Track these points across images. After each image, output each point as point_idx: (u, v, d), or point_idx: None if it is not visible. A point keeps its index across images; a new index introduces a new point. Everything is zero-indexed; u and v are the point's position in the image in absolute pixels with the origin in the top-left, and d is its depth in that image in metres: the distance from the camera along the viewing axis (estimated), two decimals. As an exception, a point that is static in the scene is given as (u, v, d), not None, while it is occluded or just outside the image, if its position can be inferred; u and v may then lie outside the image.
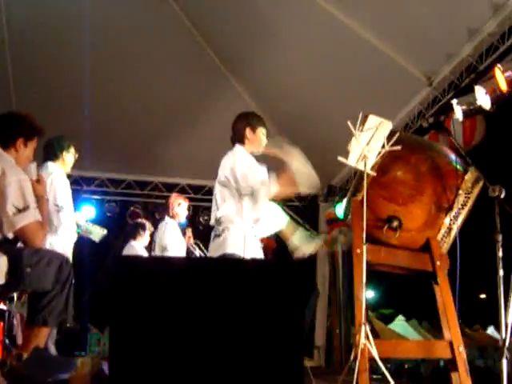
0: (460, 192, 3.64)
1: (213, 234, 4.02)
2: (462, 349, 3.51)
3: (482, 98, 5.42)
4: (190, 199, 7.75)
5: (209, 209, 5.37)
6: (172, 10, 7.17)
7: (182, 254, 6.03)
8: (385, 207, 3.69)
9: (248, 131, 4.11)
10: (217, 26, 7.32)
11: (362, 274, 3.61)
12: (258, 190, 3.84)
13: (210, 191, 8.73)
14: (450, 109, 6.30)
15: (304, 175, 3.86)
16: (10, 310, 3.26)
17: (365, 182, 3.59)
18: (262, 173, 3.97)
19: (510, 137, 9.27)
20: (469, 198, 3.63)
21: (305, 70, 7.08)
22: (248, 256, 3.87)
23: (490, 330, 14.83)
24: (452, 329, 3.58)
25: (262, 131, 4.15)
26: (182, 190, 9.13)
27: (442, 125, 6.59)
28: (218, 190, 4.02)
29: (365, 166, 3.58)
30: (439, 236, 3.68)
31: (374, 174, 3.61)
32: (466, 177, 3.68)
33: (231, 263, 2.74)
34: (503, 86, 5.02)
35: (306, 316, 4.47)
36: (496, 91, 5.33)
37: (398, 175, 3.70)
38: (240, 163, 3.97)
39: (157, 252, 5.97)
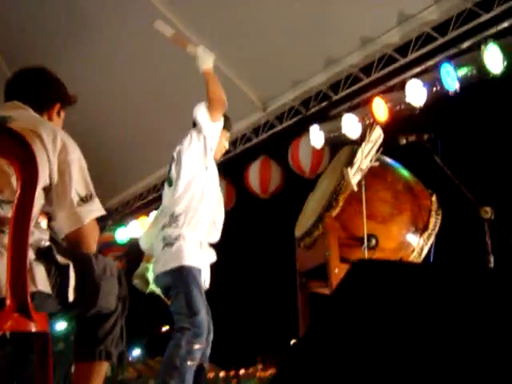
0: (432, 213, 3.64)
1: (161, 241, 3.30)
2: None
3: (350, 127, 5.63)
4: None
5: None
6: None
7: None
8: (362, 225, 3.49)
9: None
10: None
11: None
12: None
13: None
14: (291, 135, 6.45)
15: None
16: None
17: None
18: None
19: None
20: (438, 219, 3.66)
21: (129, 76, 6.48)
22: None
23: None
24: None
25: (225, 135, 3.61)
26: None
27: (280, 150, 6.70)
28: None
29: (346, 178, 3.36)
30: (411, 256, 3.62)
31: (356, 189, 3.41)
32: (433, 198, 3.70)
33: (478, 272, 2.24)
34: (380, 117, 5.25)
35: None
36: (366, 121, 5.58)
37: (378, 192, 3.55)
38: None
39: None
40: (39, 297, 1.87)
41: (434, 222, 3.62)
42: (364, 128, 5.46)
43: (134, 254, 6.25)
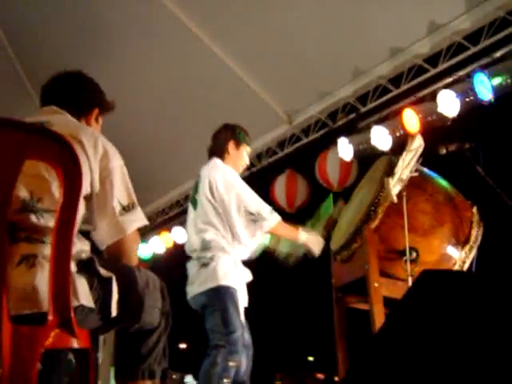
0: (474, 225, 3.50)
1: (196, 263, 3.25)
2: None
3: (379, 139, 5.51)
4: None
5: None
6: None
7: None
8: (402, 238, 3.37)
9: (231, 145, 3.47)
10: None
11: (381, 310, 3.23)
12: (267, 220, 3.24)
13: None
14: (317, 148, 6.35)
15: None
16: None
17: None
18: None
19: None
20: (480, 231, 3.52)
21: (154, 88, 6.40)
22: (239, 288, 3.23)
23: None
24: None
25: (246, 149, 3.53)
26: None
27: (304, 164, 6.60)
28: (205, 207, 3.28)
29: (386, 189, 3.24)
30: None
31: (395, 201, 3.28)
32: (474, 209, 3.57)
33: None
34: (412, 128, 5.13)
35: None
36: (396, 133, 5.46)
37: (418, 204, 3.42)
38: (236, 181, 3.31)
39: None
40: (81, 311, 1.77)
41: (476, 234, 3.48)
42: (395, 139, 5.35)
43: (157, 269, 6.15)
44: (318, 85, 6.05)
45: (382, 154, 5.40)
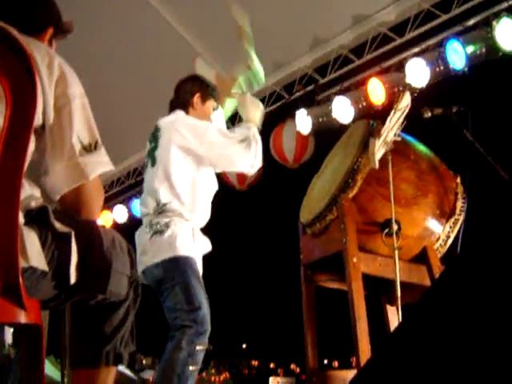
0: (458, 196, 3.22)
1: (148, 229, 2.82)
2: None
3: (341, 111, 5.20)
4: None
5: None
6: None
7: None
8: (383, 208, 3.07)
9: (197, 99, 3.05)
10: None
11: (361, 288, 2.93)
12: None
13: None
14: (272, 122, 5.98)
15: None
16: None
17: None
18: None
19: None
20: (464, 204, 3.24)
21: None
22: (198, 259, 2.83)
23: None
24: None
25: (213, 105, 3.12)
26: None
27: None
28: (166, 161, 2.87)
29: (371, 151, 2.91)
30: (436, 245, 3.19)
31: (377, 167, 2.96)
32: (458, 180, 3.29)
33: None
34: (377, 99, 4.84)
35: None
36: (359, 105, 5.16)
37: (401, 171, 3.11)
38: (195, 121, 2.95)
39: None
40: (31, 275, 1.34)
41: (461, 206, 3.20)
42: (357, 111, 5.05)
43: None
44: (273, 55, 5.66)
45: (342, 128, 5.12)
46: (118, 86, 6.08)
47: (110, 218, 7.56)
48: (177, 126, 2.89)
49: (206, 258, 3.12)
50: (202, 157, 2.86)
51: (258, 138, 2.95)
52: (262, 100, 5.98)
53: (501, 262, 1.35)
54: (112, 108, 6.29)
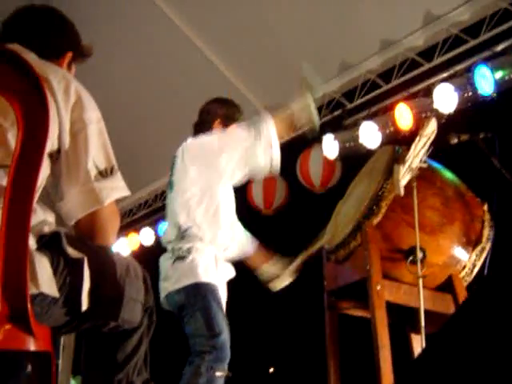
0: (485, 224, 3.15)
1: (171, 255, 2.84)
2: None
3: (368, 136, 5.16)
4: None
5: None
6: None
7: None
8: (408, 236, 3.01)
9: (218, 124, 3.07)
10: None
11: (384, 316, 2.86)
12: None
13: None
14: (298, 146, 5.96)
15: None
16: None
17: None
18: None
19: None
20: (491, 232, 3.17)
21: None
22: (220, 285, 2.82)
23: None
24: None
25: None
26: None
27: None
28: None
29: (395, 177, 2.86)
30: (462, 274, 3.12)
31: (402, 194, 2.91)
32: (485, 207, 3.22)
33: None
34: (404, 124, 4.79)
35: None
36: (386, 130, 5.12)
37: (426, 198, 3.06)
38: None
39: None
40: (42, 302, 1.33)
41: (488, 234, 3.13)
42: (384, 137, 5.01)
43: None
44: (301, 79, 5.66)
45: (369, 153, 5.07)
46: (147, 109, 6.14)
47: (136, 240, 7.57)
48: (187, 148, 2.93)
49: (231, 284, 3.11)
50: (221, 167, 2.86)
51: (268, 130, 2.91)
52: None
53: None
54: (141, 131, 6.36)
